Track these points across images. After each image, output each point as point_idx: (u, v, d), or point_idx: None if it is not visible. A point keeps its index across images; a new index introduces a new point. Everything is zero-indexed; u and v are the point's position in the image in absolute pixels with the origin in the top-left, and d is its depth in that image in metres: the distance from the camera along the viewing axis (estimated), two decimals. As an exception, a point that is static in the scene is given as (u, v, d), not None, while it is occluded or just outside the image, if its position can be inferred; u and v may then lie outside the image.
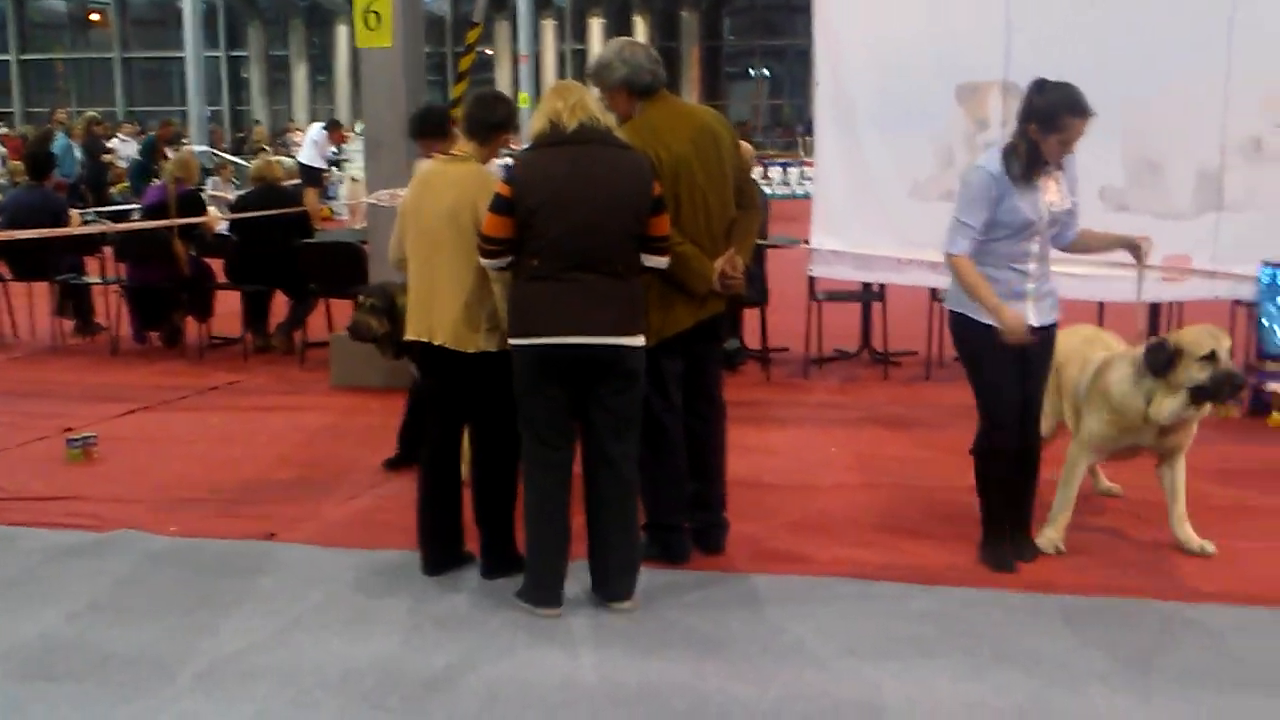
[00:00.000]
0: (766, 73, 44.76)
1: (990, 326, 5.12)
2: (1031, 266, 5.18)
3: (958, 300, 5.31)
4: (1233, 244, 7.99)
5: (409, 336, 5.08)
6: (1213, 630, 4.53)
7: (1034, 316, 5.16)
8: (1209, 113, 7.90)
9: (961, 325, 5.31)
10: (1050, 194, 5.20)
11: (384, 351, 6.20)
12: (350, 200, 19.26)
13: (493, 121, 5.08)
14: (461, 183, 4.94)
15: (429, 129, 6.63)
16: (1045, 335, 5.27)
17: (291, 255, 9.90)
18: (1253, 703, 3.99)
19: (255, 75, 45.28)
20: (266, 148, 24.77)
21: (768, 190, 23.70)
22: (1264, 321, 7.87)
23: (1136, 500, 6.04)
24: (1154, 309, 8.93)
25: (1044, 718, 3.95)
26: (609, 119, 4.79)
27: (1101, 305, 8.01)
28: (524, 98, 28.71)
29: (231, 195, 16.68)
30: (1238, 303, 8.43)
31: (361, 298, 6.30)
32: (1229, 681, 4.13)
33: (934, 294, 8.85)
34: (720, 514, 5.42)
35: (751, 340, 9.41)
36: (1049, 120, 5.10)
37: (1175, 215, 8.07)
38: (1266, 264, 7.85)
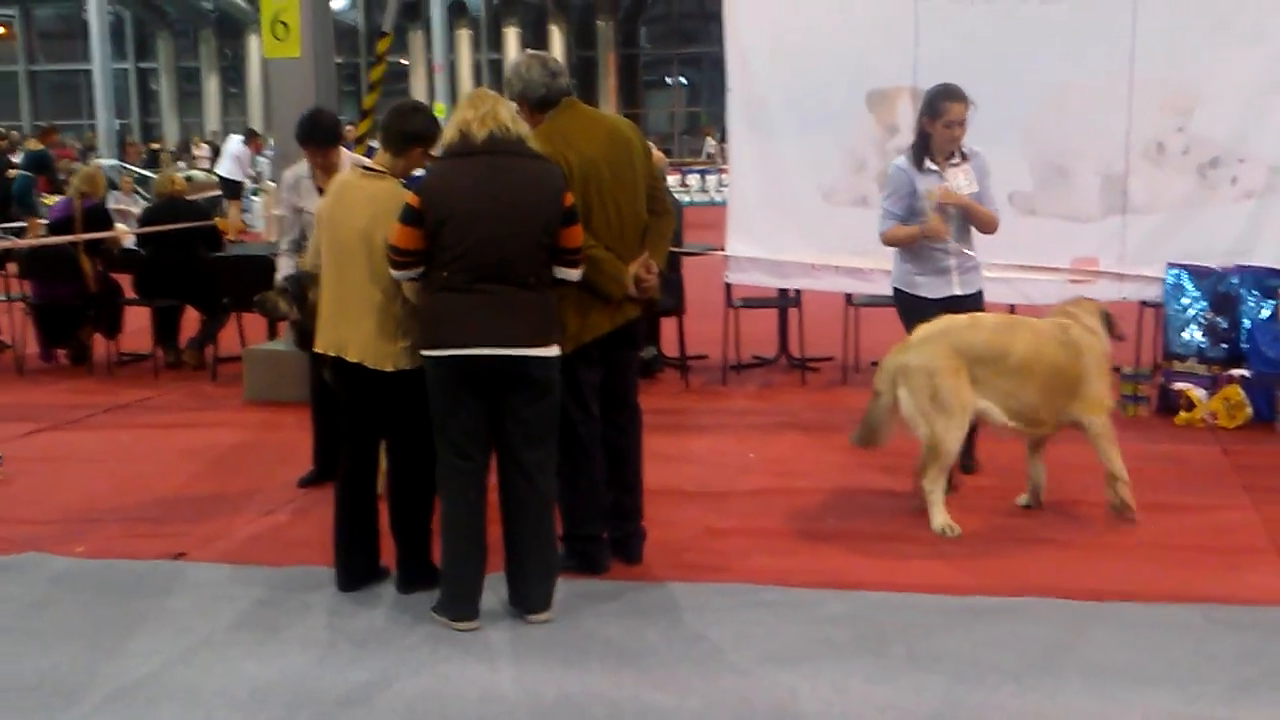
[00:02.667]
0: (684, 81, 44.94)
1: (922, 297, 6.21)
2: (950, 245, 6.16)
3: (895, 278, 6.42)
4: (1139, 246, 8.15)
5: (318, 348, 5.02)
6: (1120, 627, 4.59)
7: (958, 287, 6.22)
8: (1113, 117, 8.06)
9: (900, 300, 6.39)
10: (956, 181, 6.13)
11: (295, 337, 6.09)
12: (266, 213, 19.03)
13: (407, 132, 4.98)
14: (375, 201, 4.86)
15: (317, 136, 6.47)
16: (971, 302, 6.20)
17: (202, 269, 9.77)
18: (1160, 698, 4.05)
19: (165, 87, 44.59)
20: (182, 162, 24.50)
21: (685, 198, 23.91)
22: (1170, 321, 8.02)
23: (1047, 500, 6.11)
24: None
25: (955, 717, 3.98)
26: (521, 128, 4.75)
27: (1013, 308, 8.11)
28: (440, 108, 28.57)
29: (136, 209, 16.42)
30: (1145, 304, 8.60)
31: (277, 279, 6.25)
32: (1137, 677, 4.18)
33: (849, 299, 8.94)
34: (638, 523, 5.41)
35: (669, 348, 9.43)
36: (931, 107, 6.16)
37: (1082, 218, 8.23)
38: (1171, 265, 8.01)
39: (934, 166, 6.25)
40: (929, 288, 6.32)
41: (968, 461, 6.34)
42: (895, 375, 5.75)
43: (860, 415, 6.04)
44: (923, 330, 5.82)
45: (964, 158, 6.26)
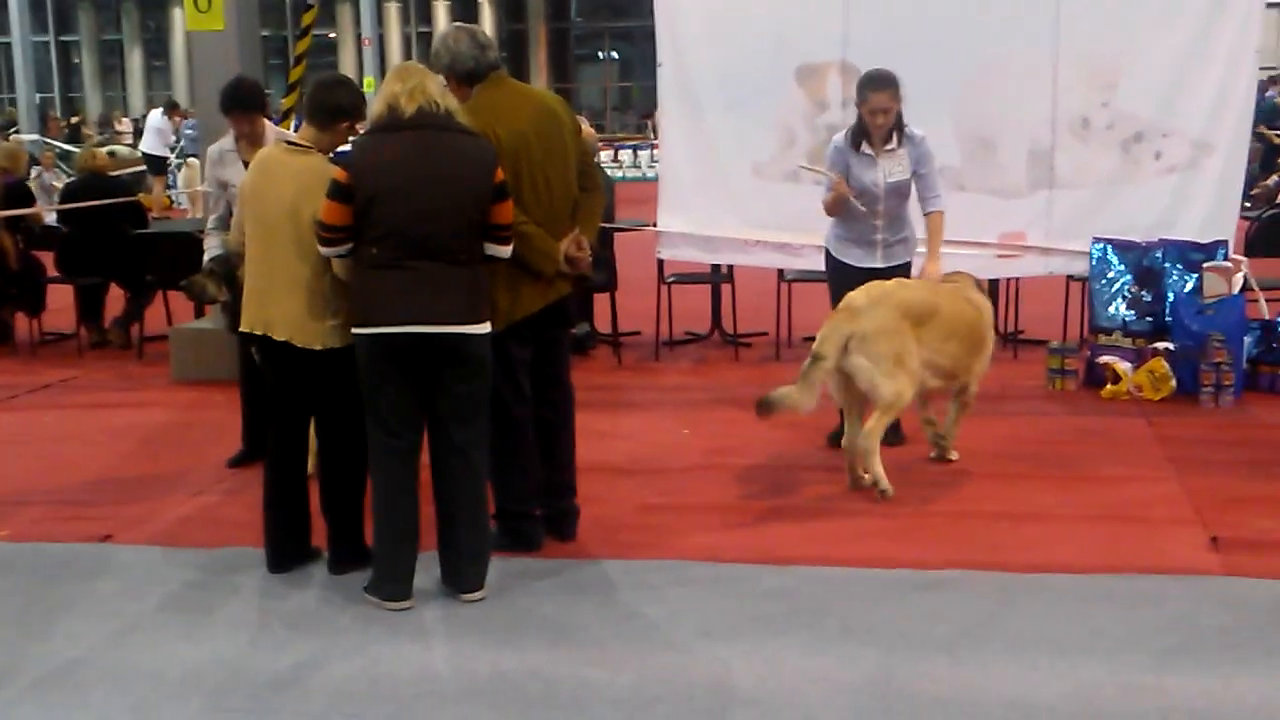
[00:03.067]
0: (615, 55, 44.80)
1: (846, 263, 6.50)
2: (879, 222, 6.42)
3: (827, 240, 6.69)
4: (1065, 221, 8.25)
5: (244, 327, 4.95)
6: (1048, 598, 4.65)
7: (880, 260, 6.44)
8: (1039, 91, 8.14)
9: (828, 262, 6.69)
10: (891, 165, 6.34)
11: (225, 319, 6.04)
12: (189, 189, 18.78)
13: (333, 106, 4.90)
14: (301, 176, 4.79)
15: (240, 102, 6.39)
16: (891, 275, 6.34)
17: (126, 246, 9.62)
18: (1088, 667, 4.11)
19: (87, 60, 43.76)
20: (91, 134, 24.08)
21: (618, 174, 23.86)
22: (1096, 296, 8.12)
23: (977, 474, 6.19)
24: (992, 285, 9.17)
25: (888, 688, 4.02)
26: (450, 102, 4.70)
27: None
28: (369, 82, 28.31)
29: (59, 184, 16.12)
30: (1071, 278, 8.71)
31: (205, 261, 6.17)
32: (1065, 647, 4.24)
33: (781, 274, 8.96)
34: (571, 500, 5.40)
35: (602, 324, 9.41)
36: (858, 94, 6.39)
37: (1010, 193, 8.31)
38: (1097, 240, 8.11)
39: (869, 150, 6.39)
40: (854, 256, 6.53)
41: (895, 435, 6.39)
42: (848, 341, 5.78)
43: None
44: (862, 296, 5.90)
45: (901, 142, 6.37)
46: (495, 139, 4.84)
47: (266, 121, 6.61)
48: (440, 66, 5.05)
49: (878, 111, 6.26)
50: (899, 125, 6.38)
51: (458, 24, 5.33)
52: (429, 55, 5.16)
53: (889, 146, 6.37)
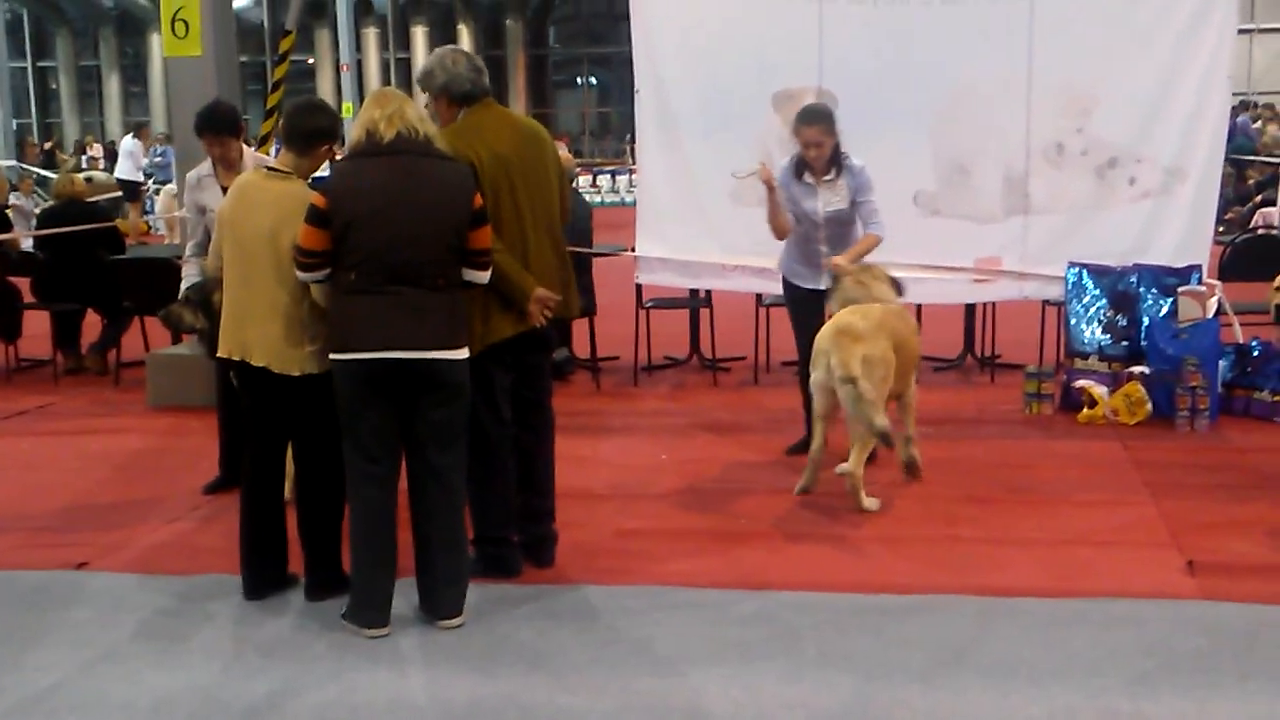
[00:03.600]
0: (594, 80, 44.91)
1: (799, 286, 6.80)
2: (824, 246, 6.66)
3: (780, 265, 6.99)
4: (1040, 246, 8.30)
5: (221, 353, 4.93)
6: (1024, 623, 4.66)
7: (825, 282, 6.57)
8: (1013, 118, 8.20)
9: (785, 286, 6.97)
10: (829, 195, 6.59)
11: (203, 347, 6.00)
12: (167, 215, 18.75)
13: (308, 130, 4.90)
14: (281, 201, 4.79)
15: (215, 124, 6.39)
16: None
17: (103, 272, 9.59)
18: (1063, 692, 4.12)
19: (65, 86, 43.62)
20: (66, 159, 24.04)
21: (596, 199, 23.91)
22: (1071, 320, 8.17)
23: (953, 499, 6.21)
24: (969, 309, 9.22)
25: (864, 715, 4.02)
26: (429, 128, 4.71)
27: (919, 308, 8.22)
28: (348, 107, 28.26)
29: (36, 209, 16.07)
30: (1047, 302, 8.75)
31: (183, 289, 6.17)
32: (1040, 672, 4.25)
33: (759, 299, 8.99)
34: (550, 526, 5.39)
35: (581, 349, 9.41)
36: (794, 128, 6.68)
37: (985, 219, 8.35)
38: (1072, 264, 8.15)
39: (810, 180, 6.65)
40: (802, 278, 6.81)
41: None
42: (857, 363, 5.90)
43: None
44: (860, 320, 6.05)
45: (838, 172, 6.60)
46: (478, 160, 4.87)
47: (245, 147, 6.61)
48: (434, 86, 5.10)
49: (810, 145, 6.54)
50: (837, 157, 6.61)
51: (453, 47, 5.35)
52: (421, 75, 5.19)
53: (828, 177, 6.61)
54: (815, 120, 6.57)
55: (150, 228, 20.67)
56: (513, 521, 5.25)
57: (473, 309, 4.85)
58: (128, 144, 21.86)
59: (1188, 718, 3.94)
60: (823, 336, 6.11)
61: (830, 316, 6.32)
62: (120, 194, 20.59)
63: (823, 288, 6.60)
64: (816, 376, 6.08)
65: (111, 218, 11.88)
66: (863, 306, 6.20)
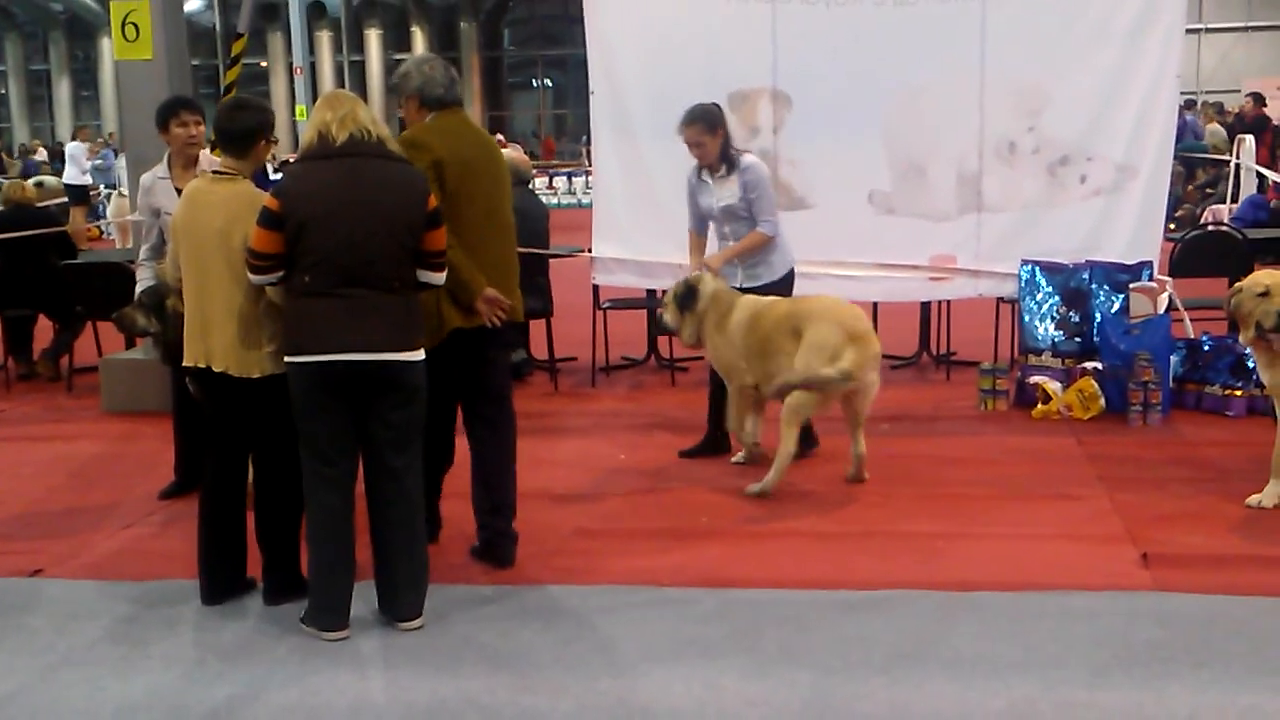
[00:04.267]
0: (549, 82, 44.87)
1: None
2: (730, 242, 6.91)
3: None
4: (994, 243, 8.36)
5: (186, 363, 4.89)
6: (985, 617, 4.70)
7: (743, 280, 6.83)
8: (966, 117, 8.26)
9: None
10: (722, 191, 6.81)
11: (158, 350, 5.95)
12: (119, 219, 18.55)
13: (239, 131, 4.89)
14: (230, 203, 4.77)
15: (188, 103, 6.47)
16: (762, 292, 6.70)
17: (55, 277, 9.49)
18: (1022, 684, 4.16)
19: (14, 90, 43.14)
20: (14, 162, 23.80)
21: (553, 200, 23.89)
22: (1025, 317, 8.24)
23: (911, 495, 6.25)
24: (924, 307, 9.28)
25: (826, 710, 4.05)
26: (382, 130, 4.71)
27: (875, 307, 8.27)
28: (300, 110, 28.14)
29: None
30: (1001, 300, 8.83)
31: (137, 292, 6.14)
32: (999, 665, 4.29)
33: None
34: (510, 526, 5.39)
35: (538, 351, 9.40)
36: (677, 132, 6.80)
37: (939, 217, 8.41)
38: (1025, 262, 8.23)
39: (707, 178, 6.92)
40: (728, 277, 6.97)
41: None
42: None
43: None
44: (856, 322, 6.26)
45: (729, 169, 6.80)
46: (442, 161, 5.01)
47: (204, 152, 6.58)
48: (409, 88, 5.25)
49: (691, 144, 6.79)
50: (726, 154, 6.78)
51: (432, 55, 5.56)
52: (398, 76, 5.36)
53: (720, 174, 6.84)
54: (693, 120, 6.76)
55: (102, 232, 20.44)
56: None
57: (426, 308, 4.89)
58: (73, 149, 21.65)
59: (1144, 707, 3.99)
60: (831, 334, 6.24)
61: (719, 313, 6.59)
62: (65, 200, 20.35)
63: (743, 285, 6.81)
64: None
65: (62, 223, 11.73)
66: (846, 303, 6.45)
